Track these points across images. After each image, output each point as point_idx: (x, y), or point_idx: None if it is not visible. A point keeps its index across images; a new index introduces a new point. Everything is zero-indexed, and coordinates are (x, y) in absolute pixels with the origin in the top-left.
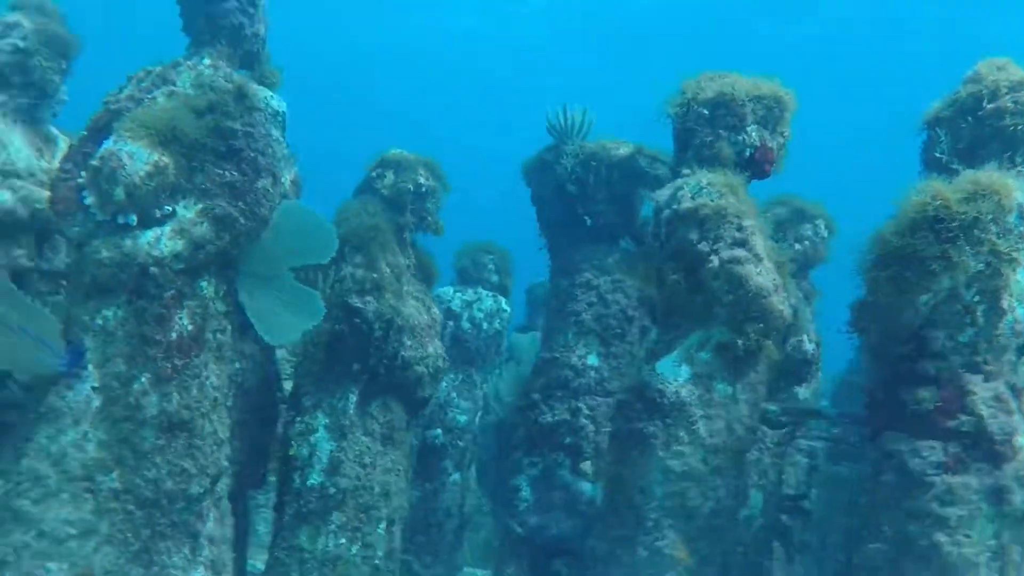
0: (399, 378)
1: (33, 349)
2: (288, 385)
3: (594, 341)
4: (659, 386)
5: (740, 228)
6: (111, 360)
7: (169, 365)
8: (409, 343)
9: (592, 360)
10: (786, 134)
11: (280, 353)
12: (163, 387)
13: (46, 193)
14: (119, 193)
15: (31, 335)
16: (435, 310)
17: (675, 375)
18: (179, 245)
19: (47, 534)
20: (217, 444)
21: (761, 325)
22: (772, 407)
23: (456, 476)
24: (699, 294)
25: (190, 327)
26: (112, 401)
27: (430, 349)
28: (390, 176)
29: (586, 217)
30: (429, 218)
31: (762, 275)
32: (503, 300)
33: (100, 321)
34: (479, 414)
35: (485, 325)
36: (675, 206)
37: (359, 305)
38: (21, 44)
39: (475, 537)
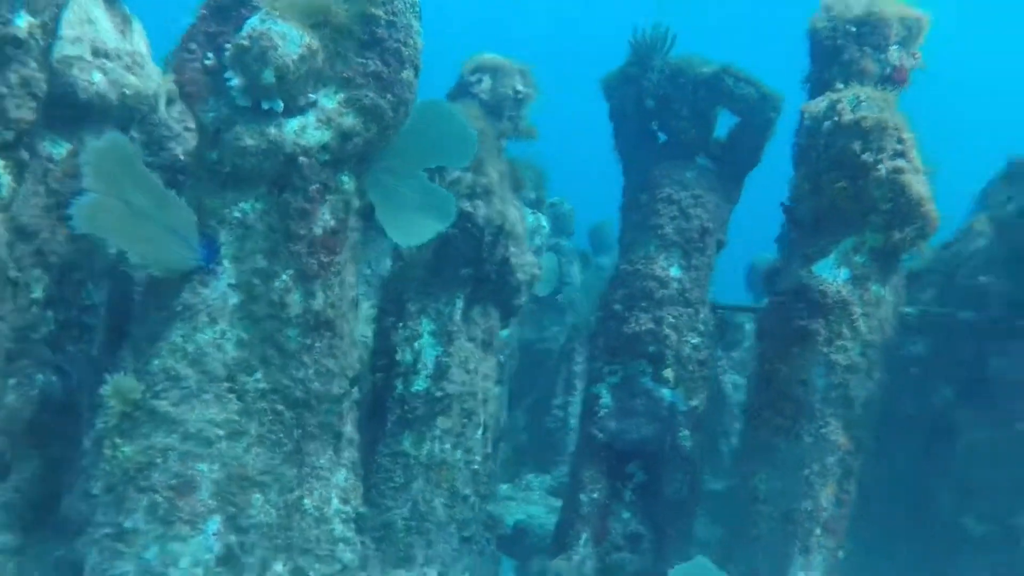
0: (505, 284)
1: (169, 242)
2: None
3: (676, 253)
4: (821, 287)
5: (900, 140)
6: (250, 255)
7: (315, 262)
8: (514, 249)
9: (675, 271)
10: (917, 56)
11: None
12: (308, 284)
13: (132, 78)
14: (268, 76)
15: (167, 227)
16: (528, 218)
17: (834, 276)
18: (326, 136)
19: (192, 435)
20: (353, 345)
21: (918, 228)
22: (910, 310)
23: (497, 389)
24: (857, 201)
25: (332, 223)
26: (253, 299)
27: (528, 257)
28: (487, 81)
29: (660, 133)
30: (522, 124)
31: (920, 184)
32: (542, 216)
33: (238, 214)
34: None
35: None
36: (836, 118)
37: (470, 209)
38: None
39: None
